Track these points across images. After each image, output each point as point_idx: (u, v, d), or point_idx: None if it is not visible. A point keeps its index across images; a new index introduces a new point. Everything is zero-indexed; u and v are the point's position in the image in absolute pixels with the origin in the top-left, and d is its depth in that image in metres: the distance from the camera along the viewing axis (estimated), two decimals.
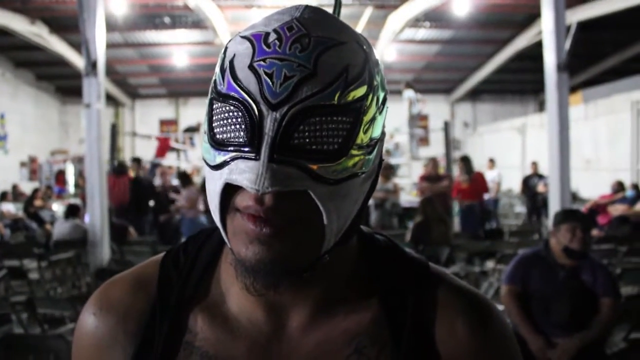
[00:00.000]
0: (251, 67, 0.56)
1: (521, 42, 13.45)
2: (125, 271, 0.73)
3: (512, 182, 14.89)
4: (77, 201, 10.72)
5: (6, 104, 15.69)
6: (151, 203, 8.88)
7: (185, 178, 8.71)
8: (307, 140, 0.56)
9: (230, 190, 0.58)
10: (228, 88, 0.58)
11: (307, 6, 0.61)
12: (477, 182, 8.76)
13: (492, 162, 11.52)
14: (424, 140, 20.32)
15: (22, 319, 4.15)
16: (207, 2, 11.00)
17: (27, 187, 13.94)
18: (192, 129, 15.81)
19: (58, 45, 13.09)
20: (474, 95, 19.93)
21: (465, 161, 8.86)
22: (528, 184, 11.50)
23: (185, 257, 0.72)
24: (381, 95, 0.62)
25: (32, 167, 17.05)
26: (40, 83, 18.07)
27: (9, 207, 10.76)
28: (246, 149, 0.56)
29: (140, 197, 8.60)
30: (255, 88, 0.56)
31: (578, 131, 10.07)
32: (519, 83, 19.14)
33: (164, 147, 13.98)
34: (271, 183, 0.54)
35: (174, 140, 14.96)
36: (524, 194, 11.89)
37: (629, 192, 8.91)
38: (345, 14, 12.17)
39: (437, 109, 20.19)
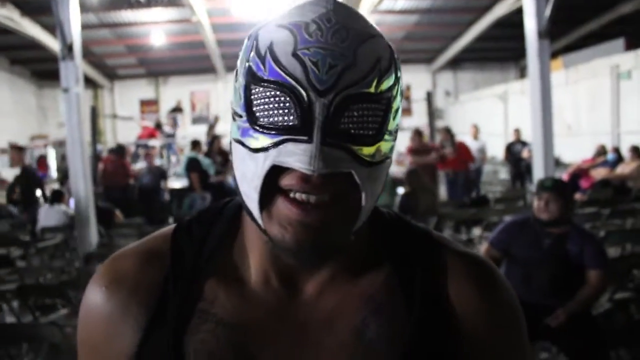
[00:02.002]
0: (295, 55, 0.59)
1: (500, 9, 13.40)
2: (131, 245, 0.74)
3: (495, 149, 14.99)
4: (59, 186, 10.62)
5: None
6: (38, 193, 8.56)
7: None
8: (351, 125, 0.60)
9: (272, 173, 0.61)
10: (271, 74, 0.60)
11: (335, 1, 0.65)
12: (461, 151, 8.87)
13: (475, 128, 11.34)
14: (407, 111, 20.35)
15: (14, 307, 4.13)
16: None
17: (8, 174, 13.73)
18: (175, 110, 15.65)
19: (31, 29, 12.78)
20: (455, 64, 19.91)
21: (449, 132, 8.96)
22: (511, 151, 11.58)
23: (198, 228, 0.74)
24: (401, 87, 0.67)
25: (12, 154, 16.78)
26: (14, 67, 17.68)
27: None
28: (297, 132, 0.59)
29: (28, 187, 8.34)
30: (301, 75, 0.59)
31: (559, 97, 10.11)
32: (500, 50, 19.13)
33: (149, 135, 13.84)
34: (324, 165, 0.58)
35: (154, 123, 14.79)
36: (508, 161, 11.97)
37: (610, 156, 9.03)
38: None
39: (418, 79, 20.17)
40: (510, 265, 3.21)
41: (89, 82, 17.53)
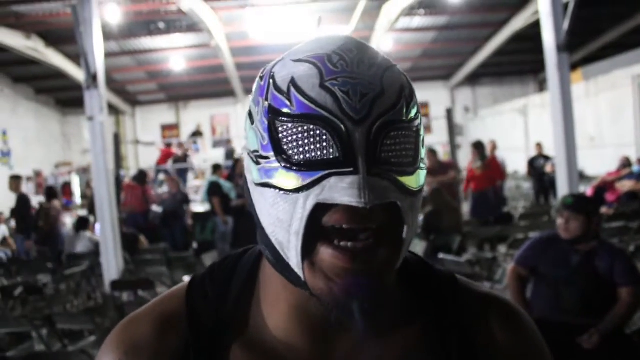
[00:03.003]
0: (323, 86, 0.57)
1: (517, 23, 13.38)
2: (144, 307, 0.69)
3: (517, 164, 14.85)
4: (84, 212, 10.78)
5: (7, 120, 15.73)
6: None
7: None
8: (391, 154, 0.58)
9: (313, 215, 0.57)
10: (300, 108, 0.57)
11: (346, 35, 0.64)
12: (491, 167, 8.51)
13: (493, 144, 11.14)
14: (426, 129, 20.28)
15: (42, 335, 4.18)
16: (200, 5, 10.98)
17: (34, 202, 13.98)
18: (196, 134, 15.84)
19: (55, 58, 13.09)
20: (473, 79, 19.86)
21: (479, 147, 8.58)
22: (534, 165, 11.46)
23: (213, 288, 0.69)
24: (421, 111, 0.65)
25: (37, 181, 17.10)
26: (39, 97, 18.09)
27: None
28: (340, 165, 0.56)
29: (24, 216, 8.46)
30: (333, 106, 0.56)
31: (580, 109, 10.00)
32: (518, 64, 19.05)
33: (166, 156, 14.04)
34: (375, 196, 0.55)
35: (177, 146, 14.99)
36: (531, 176, 11.83)
37: (636, 168, 8.88)
38: (339, 7, 12.14)
39: (437, 95, 20.14)
40: (539, 284, 3.16)
41: (112, 108, 17.84)
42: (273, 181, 0.59)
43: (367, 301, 0.58)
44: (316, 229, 0.57)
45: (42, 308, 5.36)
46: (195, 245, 9.01)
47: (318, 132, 0.56)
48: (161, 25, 12.83)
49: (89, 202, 10.84)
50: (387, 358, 0.65)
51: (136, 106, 20.43)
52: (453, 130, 13.93)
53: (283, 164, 0.58)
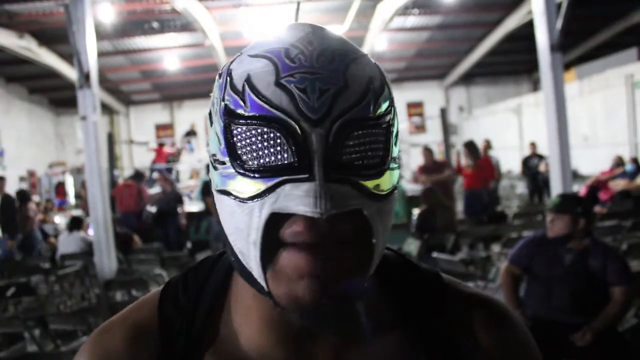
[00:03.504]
0: (278, 84, 0.52)
1: (511, 22, 13.41)
2: (117, 316, 0.67)
3: (511, 164, 14.89)
4: (78, 212, 10.75)
5: (0, 120, 15.66)
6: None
7: None
8: (354, 155, 0.53)
9: (270, 223, 0.53)
10: (254, 109, 0.53)
11: (311, 24, 0.59)
12: (483, 167, 8.48)
13: (487, 143, 11.08)
14: (421, 128, 20.34)
15: (35, 335, 4.16)
16: (194, 4, 10.95)
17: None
18: (190, 133, 15.83)
19: (48, 58, 13.04)
20: (468, 78, 19.91)
21: (470, 147, 8.57)
22: (528, 165, 11.50)
23: (185, 296, 0.66)
24: (395, 104, 0.60)
25: (31, 181, 17.03)
26: (33, 96, 18.01)
27: None
28: (295, 171, 0.51)
29: (8, 216, 8.45)
30: (289, 105, 0.52)
31: (574, 108, 10.04)
32: (512, 64, 19.11)
33: (160, 156, 14.04)
34: (332, 204, 0.50)
35: (170, 145, 14.98)
36: (525, 175, 11.87)
37: (629, 167, 8.92)
38: (333, 7, 12.14)
39: (431, 95, 20.19)
40: (532, 283, 3.17)
41: (105, 108, 17.79)
42: (229, 188, 0.55)
43: (331, 307, 0.54)
44: (276, 238, 0.53)
45: (35, 308, 5.34)
46: (189, 244, 9.00)
47: (272, 135, 0.52)
48: (155, 24, 12.80)
49: (84, 201, 10.82)
50: (372, 358, 0.63)
51: (130, 106, 20.38)
52: (447, 129, 13.98)
53: (238, 170, 0.54)
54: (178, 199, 9.20)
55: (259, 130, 0.53)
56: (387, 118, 0.56)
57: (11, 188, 15.72)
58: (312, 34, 0.56)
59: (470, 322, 0.66)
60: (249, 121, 0.53)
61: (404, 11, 12.43)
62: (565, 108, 6.18)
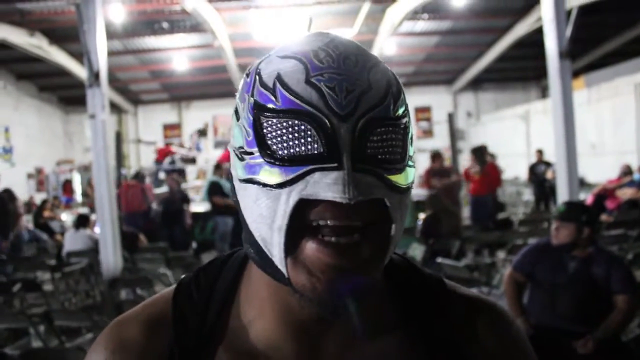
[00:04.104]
0: (309, 82, 0.57)
1: (521, 29, 13.40)
2: (134, 309, 0.69)
3: (518, 170, 14.85)
4: (85, 210, 10.80)
5: (10, 117, 15.77)
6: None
7: None
8: (378, 150, 0.57)
9: (296, 211, 0.56)
10: (285, 103, 0.57)
11: (331, 33, 0.63)
12: (489, 174, 8.43)
13: (490, 155, 10.96)
14: (428, 133, 20.32)
15: (40, 331, 4.18)
16: (204, 5, 11.01)
17: (35, 199, 14.03)
18: (201, 132, 15.84)
19: (58, 56, 13.13)
20: (476, 84, 19.89)
21: (477, 152, 8.53)
22: (534, 172, 11.46)
23: (198, 291, 0.68)
24: (409, 112, 0.64)
25: (39, 178, 17.13)
26: (42, 94, 18.13)
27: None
28: (324, 160, 0.55)
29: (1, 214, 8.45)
30: (319, 101, 0.56)
31: (581, 116, 10.00)
32: (521, 70, 19.08)
33: (163, 154, 14.07)
34: (359, 192, 0.54)
35: (177, 145, 15.03)
36: (531, 182, 11.84)
37: (637, 176, 8.88)
38: (343, 10, 12.16)
39: (439, 100, 20.18)
40: (535, 290, 3.16)
41: (114, 107, 17.89)
42: (257, 177, 0.58)
43: (350, 298, 0.57)
44: (300, 225, 0.56)
45: (40, 304, 5.37)
46: (194, 244, 9.02)
47: (303, 127, 0.56)
48: (165, 24, 12.87)
49: (91, 199, 10.87)
50: (371, 358, 0.64)
51: (138, 105, 20.47)
52: (455, 134, 13.96)
53: (267, 159, 0.57)
54: (184, 199, 9.23)
55: (290, 123, 0.57)
56: (404, 120, 0.60)
57: (20, 185, 15.85)
58: (336, 40, 0.61)
59: (471, 326, 0.69)
60: (280, 114, 0.57)
61: (414, 16, 12.45)
62: (574, 115, 6.17)
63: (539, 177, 11.24)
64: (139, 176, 9.56)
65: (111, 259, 6.19)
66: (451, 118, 12.71)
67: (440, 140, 17.69)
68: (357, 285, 0.57)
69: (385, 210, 0.57)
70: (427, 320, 0.67)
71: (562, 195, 6.14)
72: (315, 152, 0.56)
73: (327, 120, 0.55)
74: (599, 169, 11.55)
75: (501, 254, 6.25)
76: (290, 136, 0.56)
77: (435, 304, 0.69)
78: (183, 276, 0.72)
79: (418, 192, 9.63)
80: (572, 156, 6.13)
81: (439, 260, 5.22)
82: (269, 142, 0.57)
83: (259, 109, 0.59)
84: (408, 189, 0.60)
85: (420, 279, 0.71)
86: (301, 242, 0.57)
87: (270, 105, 0.57)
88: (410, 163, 0.61)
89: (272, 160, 0.57)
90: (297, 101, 0.56)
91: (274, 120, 0.57)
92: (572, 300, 2.97)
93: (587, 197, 8.84)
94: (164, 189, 10.38)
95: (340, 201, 0.53)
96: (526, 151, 16.00)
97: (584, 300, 2.96)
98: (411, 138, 0.62)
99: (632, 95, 11.37)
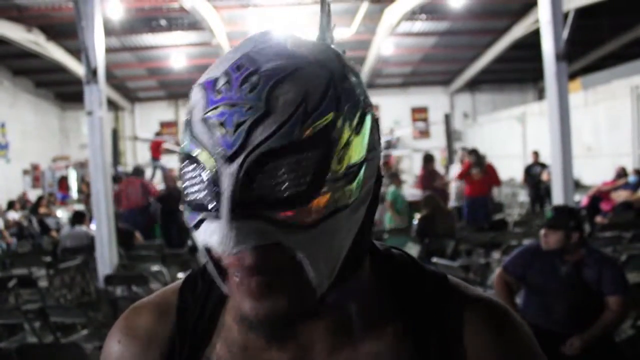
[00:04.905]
0: (204, 119, 0.53)
1: (518, 31, 13.44)
2: (148, 297, 0.73)
3: (514, 172, 14.89)
4: (80, 207, 10.79)
5: (6, 113, 15.72)
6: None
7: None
8: (270, 188, 0.51)
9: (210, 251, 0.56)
10: (188, 145, 0.55)
11: (262, 33, 0.58)
12: (489, 174, 8.46)
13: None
14: (425, 134, 20.35)
15: (35, 327, 4.19)
16: (202, 3, 10.99)
17: (30, 195, 14.00)
18: None
19: (56, 52, 13.10)
20: (473, 85, 19.93)
21: (475, 154, 8.56)
22: (530, 173, 11.50)
23: (203, 283, 0.70)
24: (357, 114, 0.56)
25: (34, 174, 17.09)
26: (39, 90, 18.08)
27: (15, 216, 10.83)
28: (210, 209, 0.52)
29: None
30: (209, 141, 0.52)
31: (578, 118, 10.05)
32: (518, 72, 19.12)
33: (156, 148, 14.07)
34: (236, 242, 0.50)
35: (174, 143, 15.03)
36: (527, 183, 11.89)
37: (632, 178, 8.92)
38: (341, 10, 12.16)
39: (436, 100, 20.21)
40: (529, 294, 3.14)
41: (111, 104, 17.85)
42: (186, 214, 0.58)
43: (273, 326, 0.58)
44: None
45: (36, 301, 5.37)
46: (190, 242, 9.02)
47: (196, 173, 0.54)
48: (162, 22, 12.85)
49: (86, 196, 10.86)
50: (360, 357, 0.63)
51: (135, 102, 20.44)
52: (451, 135, 14.00)
53: (184, 202, 0.56)
54: (181, 197, 9.22)
55: (190, 168, 0.55)
56: (325, 135, 0.53)
57: (16, 181, 15.81)
58: (247, 55, 0.55)
59: (473, 326, 0.65)
60: (184, 159, 0.56)
61: (411, 16, 12.46)
62: (569, 117, 6.19)
63: (535, 179, 11.28)
64: (138, 172, 9.57)
65: (107, 255, 6.19)
66: (448, 119, 12.77)
67: (437, 141, 17.73)
68: (282, 320, 0.56)
69: (290, 251, 0.53)
70: (421, 320, 0.65)
71: (557, 197, 6.17)
72: (203, 200, 0.53)
73: (211, 165, 0.52)
74: (594, 171, 11.59)
75: (496, 255, 6.27)
76: (189, 182, 0.55)
77: (433, 302, 0.66)
78: (192, 270, 0.75)
79: (413, 193, 9.69)
80: (567, 158, 6.15)
81: (434, 260, 5.24)
82: (184, 184, 0.56)
83: (180, 149, 0.57)
84: (329, 216, 0.53)
85: (420, 276, 0.68)
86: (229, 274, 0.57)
87: (183, 146, 0.56)
88: (331, 186, 0.53)
89: (186, 205, 0.56)
90: (194, 144, 0.54)
91: (183, 164, 0.56)
92: (566, 306, 2.95)
93: (582, 199, 8.89)
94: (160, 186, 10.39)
95: (223, 252, 0.52)
96: (522, 152, 16.04)
97: (577, 304, 2.95)
98: (345, 149, 0.54)
99: (628, 98, 11.42)
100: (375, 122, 0.61)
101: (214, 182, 0.52)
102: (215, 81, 0.54)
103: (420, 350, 0.63)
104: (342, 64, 0.58)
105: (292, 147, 0.51)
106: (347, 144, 0.54)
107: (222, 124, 0.51)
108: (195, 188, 0.54)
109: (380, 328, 0.64)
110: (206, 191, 0.52)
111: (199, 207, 0.54)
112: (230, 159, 0.51)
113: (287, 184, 0.51)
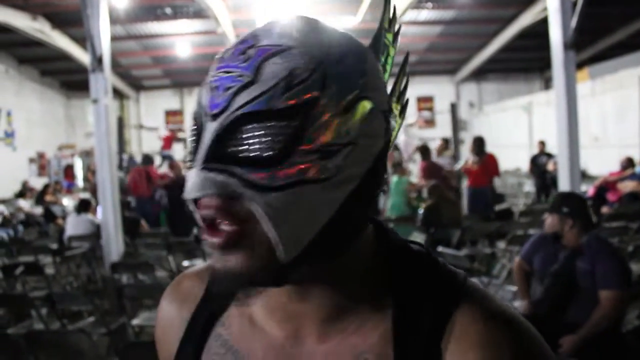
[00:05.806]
0: (206, 82, 0.59)
1: (525, 19, 13.33)
2: (191, 269, 0.80)
3: (520, 161, 14.84)
4: (86, 195, 10.83)
5: (12, 101, 15.75)
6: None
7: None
8: (242, 147, 0.55)
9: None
10: (195, 107, 0.61)
11: (271, 22, 0.61)
12: (487, 164, 8.29)
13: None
14: (430, 123, 20.29)
15: (42, 314, 4.22)
16: None
17: (36, 183, 14.04)
18: None
19: (61, 41, 13.09)
20: (479, 74, 19.81)
21: (476, 141, 8.42)
22: (536, 163, 11.46)
23: None
24: (347, 97, 0.57)
25: (40, 162, 17.15)
26: (44, 79, 18.10)
27: (24, 204, 10.93)
28: (191, 160, 0.58)
29: None
30: (204, 103, 0.58)
31: (585, 108, 9.98)
32: (524, 61, 19.00)
33: (169, 140, 14.12)
34: (199, 188, 0.55)
35: (179, 132, 15.07)
36: (533, 173, 11.85)
37: (638, 168, 8.87)
38: None
39: (442, 89, 20.12)
40: (534, 280, 3.20)
41: (116, 92, 17.86)
42: None
43: (231, 284, 0.58)
44: None
45: (42, 288, 5.41)
46: (195, 231, 9.05)
47: (193, 129, 0.59)
48: (168, 10, 12.81)
49: (92, 184, 10.91)
50: (345, 348, 0.63)
51: (140, 91, 20.43)
52: (457, 125, 13.94)
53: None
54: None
55: (191, 125, 0.61)
56: (303, 109, 0.55)
57: (21, 169, 15.87)
58: (253, 32, 0.60)
59: (465, 342, 0.59)
60: (192, 117, 0.61)
61: (418, 4, 12.39)
62: (577, 107, 6.15)
63: (541, 169, 11.24)
64: (146, 160, 9.63)
65: (113, 243, 6.23)
66: (454, 108, 12.71)
67: (443, 130, 17.66)
68: (239, 278, 0.57)
69: (250, 207, 0.55)
70: (412, 322, 0.61)
71: (564, 187, 6.14)
72: (191, 151, 0.59)
73: (201, 121, 0.58)
74: (601, 162, 11.53)
75: (501, 244, 6.27)
76: (189, 138, 0.61)
77: (432, 305, 0.61)
78: None
79: (415, 181, 9.67)
80: (574, 148, 6.12)
81: (440, 249, 5.24)
82: (188, 140, 0.63)
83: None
84: (294, 184, 0.55)
85: (430, 274, 0.64)
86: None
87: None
88: (299, 158, 0.55)
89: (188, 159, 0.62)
90: (197, 105, 0.60)
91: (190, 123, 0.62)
92: (559, 292, 2.98)
93: (588, 190, 8.85)
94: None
95: (189, 197, 0.57)
96: (528, 142, 15.97)
97: (562, 292, 2.96)
98: (319, 127, 0.55)
99: (636, 88, 11.32)
100: (382, 113, 0.61)
101: (199, 136, 0.58)
102: (225, 51, 0.61)
103: (399, 357, 0.60)
104: (345, 53, 0.59)
105: (269, 114, 0.55)
106: (328, 122, 0.56)
107: (215, 88, 0.57)
108: (191, 142, 0.60)
109: (369, 322, 0.63)
110: (194, 145, 0.58)
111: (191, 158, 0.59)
112: (213, 117, 0.56)
113: (258, 146, 0.55)
